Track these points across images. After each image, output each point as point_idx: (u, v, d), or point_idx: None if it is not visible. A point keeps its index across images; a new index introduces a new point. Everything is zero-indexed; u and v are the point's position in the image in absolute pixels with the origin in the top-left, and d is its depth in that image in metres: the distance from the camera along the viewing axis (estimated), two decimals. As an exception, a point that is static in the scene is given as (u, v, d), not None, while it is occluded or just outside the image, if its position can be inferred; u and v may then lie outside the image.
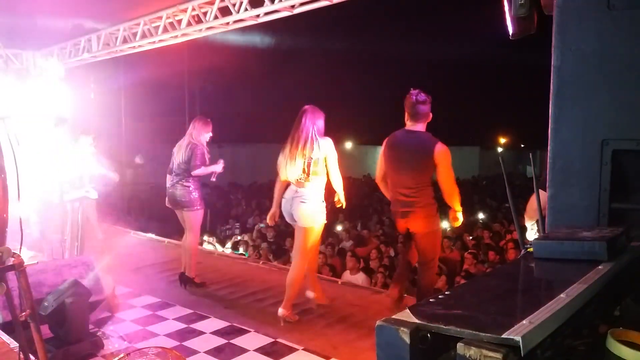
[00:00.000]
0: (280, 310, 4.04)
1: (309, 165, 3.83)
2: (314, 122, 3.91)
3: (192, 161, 4.84)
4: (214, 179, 5.14)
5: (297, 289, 4.10)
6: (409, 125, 3.81)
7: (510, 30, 2.74)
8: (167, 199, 5.02)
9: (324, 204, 3.97)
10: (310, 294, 4.30)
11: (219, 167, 5.03)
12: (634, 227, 1.86)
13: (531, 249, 1.62)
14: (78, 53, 7.42)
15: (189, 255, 4.99)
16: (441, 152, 3.69)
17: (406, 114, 3.81)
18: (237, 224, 11.80)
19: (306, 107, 4.00)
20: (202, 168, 4.87)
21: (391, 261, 7.86)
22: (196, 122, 4.97)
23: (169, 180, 4.98)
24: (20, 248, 2.21)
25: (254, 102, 22.09)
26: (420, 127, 3.81)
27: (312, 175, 3.86)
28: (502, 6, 2.72)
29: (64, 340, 3.37)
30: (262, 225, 11.27)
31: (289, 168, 3.89)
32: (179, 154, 4.91)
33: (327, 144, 3.92)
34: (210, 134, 5.00)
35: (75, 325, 3.41)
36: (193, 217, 4.93)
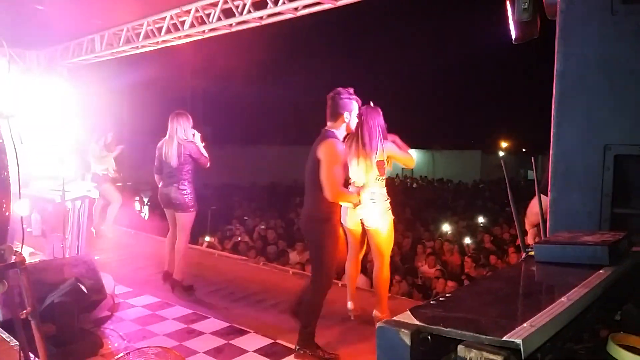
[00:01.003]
0: (375, 312, 3.97)
1: (379, 166, 3.72)
2: (378, 122, 3.78)
3: (199, 162, 4.78)
4: (203, 144, 4.95)
5: (386, 289, 4.00)
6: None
7: (514, 34, 2.75)
8: (159, 197, 4.98)
9: (389, 201, 3.83)
10: (350, 305, 4.17)
11: (197, 138, 4.86)
12: (635, 233, 1.86)
13: (532, 253, 1.62)
14: (81, 53, 7.44)
15: (179, 257, 4.87)
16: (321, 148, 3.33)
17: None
18: (241, 225, 11.80)
19: (364, 107, 3.76)
20: (205, 157, 4.84)
21: (392, 264, 7.85)
22: (179, 118, 4.78)
23: (159, 179, 4.93)
24: (22, 246, 2.21)
25: (255, 104, 22.14)
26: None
27: (380, 176, 3.76)
28: (506, 11, 2.73)
29: (54, 339, 3.35)
30: (263, 227, 11.29)
31: (357, 169, 3.74)
32: (169, 156, 4.76)
33: (390, 145, 3.82)
34: (193, 130, 4.86)
35: (63, 325, 3.38)
36: (186, 219, 4.84)
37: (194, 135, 4.86)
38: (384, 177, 3.82)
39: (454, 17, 24.16)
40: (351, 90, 3.45)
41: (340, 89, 3.42)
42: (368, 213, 3.77)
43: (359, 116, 3.67)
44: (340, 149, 3.36)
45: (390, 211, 3.85)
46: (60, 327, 3.40)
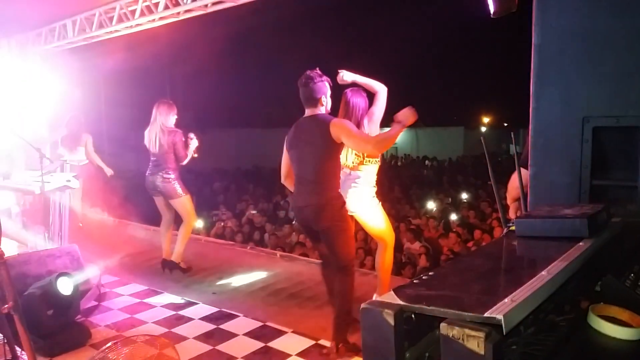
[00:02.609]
0: (375, 296, 3.88)
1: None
2: (360, 104, 3.69)
3: (177, 152, 4.79)
4: (195, 155, 5.03)
5: (389, 272, 3.90)
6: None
7: (492, 8, 2.73)
8: (146, 185, 4.96)
9: (375, 189, 3.78)
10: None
11: (195, 143, 4.95)
12: (614, 204, 1.89)
13: (513, 227, 1.63)
14: (54, 39, 7.23)
15: (180, 240, 4.97)
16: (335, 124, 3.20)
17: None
18: (227, 211, 11.75)
19: (348, 90, 3.72)
20: (185, 154, 4.88)
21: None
22: (160, 106, 4.79)
23: (149, 168, 4.92)
24: (0, 239, 2.17)
25: (237, 87, 21.87)
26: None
27: (366, 159, 3.69)
28: (483, -16, 2.71)
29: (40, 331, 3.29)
30: (253, 212, 11.25)
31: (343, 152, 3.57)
32: (153, 144, 4.79)
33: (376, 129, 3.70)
34: (176, 116, 4.88)
35: (34, 317, 3.31)
36: (181, 204, 4.91)
37: (191, 139, 4.93)
38: (371, 162, 3.73)
39: (432, -7, 24.01)
40: (319, 71, 3.36)
41: (310, 73, 3.31)
42: (349, 198, 3.62)
43: (344, 98, 3.64)
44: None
45: (375, 197, 3.78)
46: (38, 320, 3.34)
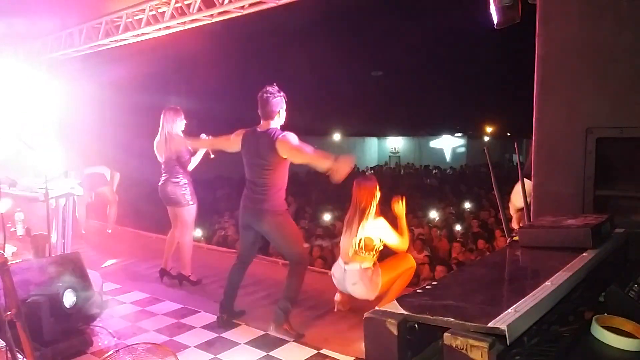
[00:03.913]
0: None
1: (359, 243, 3.81)
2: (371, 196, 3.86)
3: (181, 158, 4.77)
4: (212, 156, 4.88)
5: (400, 289, 3.98)
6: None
7: (495, 19, 2.75)
8: (159, 194, 4.96)
9: (371, 270, 3.86)
10: (338, 297, 4.20)
11: (203, 152, 4.89)
12: (618, 214, 1.88)
13: (517, 238, 1.63)
14: (60, 47, 7.30)
15: (183, 253, 4.91)
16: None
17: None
18: (230, 219, 11.73)
19: (359, 179, 3.97)
20: (192, 160, 4.83)
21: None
22: (166, 113, 4.82)
23: (161, 176, 4.94)
24: (4, 246, 2.17)
25: (241, 95, 21.95)
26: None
27: (360, 252, 3.83)
28: (487, -5, 2.72)
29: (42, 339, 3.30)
30: None
31: (345, 249, 3.87)
32: (161, 152, 4.82)
33: (379, 224, 3.85)
34: (184, 121, 4.87)
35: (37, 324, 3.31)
36: (185, 214, 4.86)
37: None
38: (369, 254, 3.85)
39: (436, 4, 24.13)
40: (276, 87, 3.65)
41: (270, 88, 3.60)
42: (356, 293, 3.89)
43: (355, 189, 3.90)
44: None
45: (371, 269, 3.84)
46: (49, 326, 3.36)
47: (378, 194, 3.90)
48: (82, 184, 5.00)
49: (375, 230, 3.83)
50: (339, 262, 3.96)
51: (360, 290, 3.85)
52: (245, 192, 3.78)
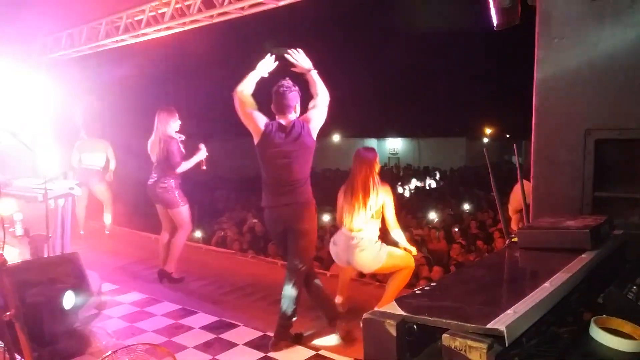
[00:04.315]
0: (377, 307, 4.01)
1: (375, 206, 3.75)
2: (372, 165, 3.79)
3: (171, 159, 4.74)
4: (204, 167, 4.99)
5: (398, 289, 3.91)
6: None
7: (495, 21, 2.75)
8: (147, 192, 4.95)
9: (379, 243, 3.81)
10: (338, 299, 4.13)
11: (202, 154, 4.92)
12: (616, 216, 1.88)
13: (516, 239, 1.63)
14: (60, 48, 7.29)
15: (173, 250, 4.90)
16: None
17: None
18: (228, 219, 11.73)
19: (359, 149, 3.90)
20: (183, 163, 4.81)
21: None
22: (160, 114, 4.79)
23: (151, 176, 4.92)
24: (3, 247, 2.17)
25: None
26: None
27: (370, 218, 3.76)
28: (486, -3, 2.73)
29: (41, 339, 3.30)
30: (255, 220, 11.22)
31: (353, 217, 3.76)
32: (153, 153, 4.81)
33: (385, 190, 3.80)
34: (178, 122, 4.85)
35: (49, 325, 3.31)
36: (178, 215, 4.86)
37: (199, 150, 4.91)
38: (374, 218, 3.79)
39: (436, 4, 24.16)
40: (290, 81, 3.53)
41: (285, 82, 3.49)
42: (359, 262, 3.82)
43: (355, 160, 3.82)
44: None
45: (378, 242, 3.81)
46: (47, 327, 3.35)
47: (378, 166, 3.85)
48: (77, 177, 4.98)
49: (387, 194, 3.79)
50: (343, 231, 3.85)
51: (365, 257, 3.76)
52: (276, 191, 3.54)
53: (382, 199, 3.78)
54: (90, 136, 6.85)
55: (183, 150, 4.84)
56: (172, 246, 4.93)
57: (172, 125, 4.81)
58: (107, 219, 7.06)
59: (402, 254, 3.89)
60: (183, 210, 4.87)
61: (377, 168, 3.82)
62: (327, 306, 3.75)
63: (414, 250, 3.96)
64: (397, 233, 3.89)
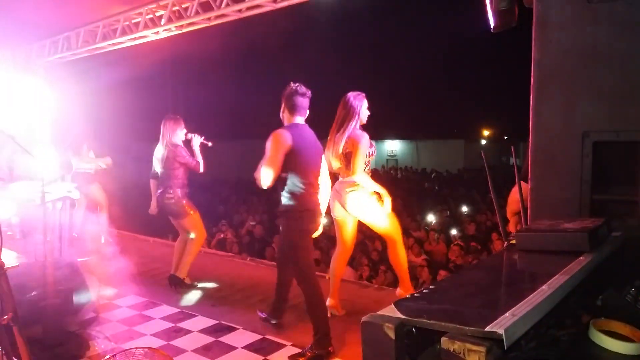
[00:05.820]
0: (398, 290, 4.14)
1: (344, 157, 3.77)
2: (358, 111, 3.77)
3: (187, 165, 4.78)
4: (210, 144, 4.96)
5: (405, 267, 4.05)
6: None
7: (492, 23, 2.76)
8: (158, 206, 4.95)
9: (370, 197, 3.82)
10: (329, 301, 4.09)
11: (196, 140, 4.89)
12: (614, 218, 1.89)
13: (514, 241, 1.63)
14: (57, 51, 7.29)
15: (185, 256, 4.92)
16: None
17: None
18: (224, 221, 11.71)
19: (350, 94, 3.83)
20: (198, 162, 4.86)
21: (378, 255, 7.90)
22: (166, 122, 4.82)
23: (155, 186, 4.92)
24: (0, 250, 2.16)
25: (240, 98, 21.95)
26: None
27: (345, 164, 3.79)
28: (484, 0, 2.74)
29: (40, 343, 3.30)
30: (252, 223, 11.21)
31: (332, 153, 3.84)
32: (157, 161, 4.83)
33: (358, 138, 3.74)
34: (184, 131, 4.88)
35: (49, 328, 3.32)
36: (187, 224, 4.91)
37: (192, 138, 4.89)
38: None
39: (433, 7, 24.22)
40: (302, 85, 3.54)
41: (297, 86, 3.48)
42: (348, 203, 3.83)
43: (346, 100, 3.80)
44: None
45: (372, 196, 3.83)
46: (46, 330, 3.35)
47: (364, 113, 3.82)
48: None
49: (359, 140, 3.72)
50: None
51: (355, 199, 3.77)
52: (311, 192, 3.50)
53: (352, 143, 3.75)
54: (80, 140, 6.76)
55: (187, 153, 4.83)
56: (185, 252, 4.97)
57: (179, 134, 4.84)
58: (103, 221, 6.99)
59: (391, 216, 3.94)
60: (191, 219, 4.89)
61: (358, 115, 3.77)
62: (279, 300, 3.91)
63: (386, 197, 3.91)
64: (359, 178, 3.78)
